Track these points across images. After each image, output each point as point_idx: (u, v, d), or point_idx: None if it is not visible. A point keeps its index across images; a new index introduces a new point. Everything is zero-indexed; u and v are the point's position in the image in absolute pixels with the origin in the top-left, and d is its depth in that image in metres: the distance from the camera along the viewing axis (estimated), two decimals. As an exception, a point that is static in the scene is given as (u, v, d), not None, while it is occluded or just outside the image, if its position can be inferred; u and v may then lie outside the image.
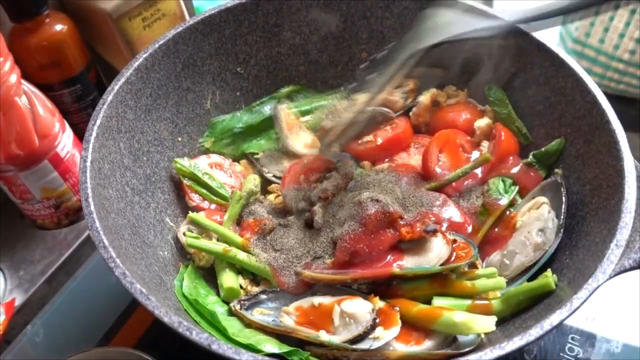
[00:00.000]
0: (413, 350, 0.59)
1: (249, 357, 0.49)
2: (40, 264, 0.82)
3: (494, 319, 0.59)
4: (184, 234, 0.71)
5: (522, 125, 0.78)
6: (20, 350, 0.74)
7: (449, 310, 0.59)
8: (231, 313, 0.65)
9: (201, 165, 0.79)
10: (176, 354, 0.63)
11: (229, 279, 0.68)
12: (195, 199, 0.77)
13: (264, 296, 0.66)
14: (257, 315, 0.64)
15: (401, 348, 0.59)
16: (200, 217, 0.72)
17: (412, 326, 0.61)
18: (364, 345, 0.58)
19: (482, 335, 0.59)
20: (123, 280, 0.54)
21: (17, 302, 0.78)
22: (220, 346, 0.50)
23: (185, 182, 0.77)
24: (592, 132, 0.68)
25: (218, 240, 0.72)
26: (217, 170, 0.81)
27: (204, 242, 0.69)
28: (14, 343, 0.75)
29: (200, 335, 0.51)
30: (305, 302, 0.63)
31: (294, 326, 0.61)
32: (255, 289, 0.68)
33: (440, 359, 0.58)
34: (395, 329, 0.59)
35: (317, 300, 0.63)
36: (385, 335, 0.59)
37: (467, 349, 0.58)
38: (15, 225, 0.86)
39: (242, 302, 0.65)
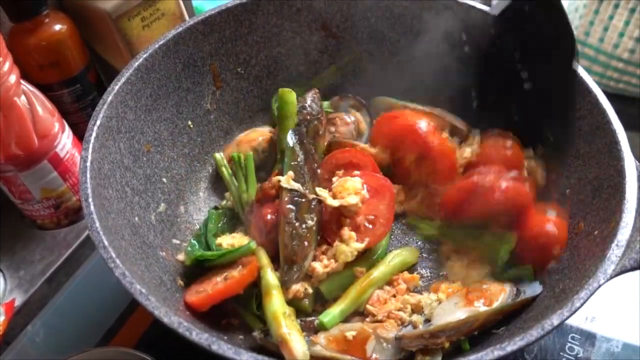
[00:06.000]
0: (492, 306, 0.63)
1: (249, 357, 0.49)
2: (40, 264, 0.81)
3: None
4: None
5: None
6: (21, 350, 0.74)
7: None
8: None
9: None
10: (176, 354, 0.63)
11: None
12: None
13: None
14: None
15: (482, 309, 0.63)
16: None
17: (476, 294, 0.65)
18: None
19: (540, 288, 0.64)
20: (123, 280, 0.54)
21: (17, 303, 0.78)
22: (220, 346, 0.50)
23: None
24: (592, 132, 0.68)
25: None
26: None
27: None
28: (14, 343, 0.75)
29: (200, 336, 0.51)
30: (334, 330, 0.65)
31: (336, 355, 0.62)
32: None
33: (517, 307, 0.63)
34: None
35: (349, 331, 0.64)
36: None
37: (533, 295, 0.64)
38: (15, 225, 0.86)
39: None
